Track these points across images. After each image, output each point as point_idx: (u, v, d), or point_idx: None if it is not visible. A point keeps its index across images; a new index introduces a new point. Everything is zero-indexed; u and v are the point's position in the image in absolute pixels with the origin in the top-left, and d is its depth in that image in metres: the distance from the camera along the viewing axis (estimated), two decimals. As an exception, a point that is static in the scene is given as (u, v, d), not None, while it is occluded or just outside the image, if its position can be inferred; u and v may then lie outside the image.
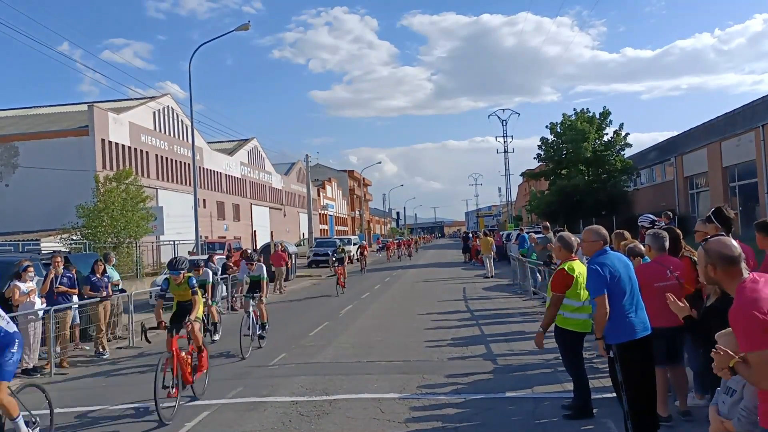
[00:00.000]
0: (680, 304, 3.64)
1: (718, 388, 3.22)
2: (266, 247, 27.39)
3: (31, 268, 10.26)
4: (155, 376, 6.52)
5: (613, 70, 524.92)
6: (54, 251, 14.04)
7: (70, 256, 14.28)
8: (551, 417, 6.11)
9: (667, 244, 5.77)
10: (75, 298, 11.18)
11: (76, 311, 11.28)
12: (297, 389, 7.75)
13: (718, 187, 28.70)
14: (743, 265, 2.91)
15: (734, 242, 3.02)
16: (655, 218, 9.48)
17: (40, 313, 10.07)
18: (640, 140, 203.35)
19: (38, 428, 5.90)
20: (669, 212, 12.46)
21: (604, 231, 5.37)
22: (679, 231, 6.31)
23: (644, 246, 6.20)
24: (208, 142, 46.43)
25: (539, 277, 15.92)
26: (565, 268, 6.02)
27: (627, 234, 7.48)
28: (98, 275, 11.57)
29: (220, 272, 17.44)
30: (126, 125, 34.13)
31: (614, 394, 5.86)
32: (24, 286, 10.02)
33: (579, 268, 6.08)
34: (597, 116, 38.45)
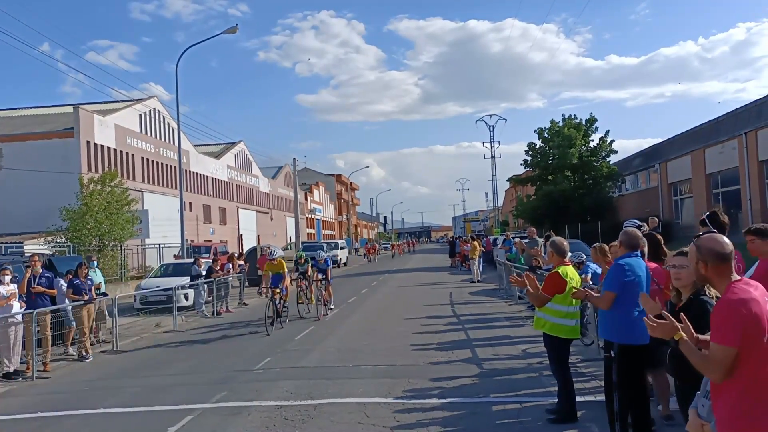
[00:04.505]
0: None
1: (698, 392, 3.25)
2: (253, 250, 27.24)
3: (8, 271, 10.11)
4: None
5: (598, 77, 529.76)
6: (34, 254, 13.90)
7: (54, 259, 14.16)
8: (536, 421, 6.13)
9: (645, 250, 5.81)
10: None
11: (70, 314, 11.15)
12: (282, 393, 7.71)
13: (701, 193, 29.02)
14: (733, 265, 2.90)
15: (726, 239, 2.95)
16: (641, 223, 9.55)
17: (19, 317, 9.94)
18: (625, 147, 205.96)
19: None
20: (655, 217, 12.54)
21: (638, 234, 5.40)
22: (660, 237, 6.36)
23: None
24: (195, 145, 46.14)
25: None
26: (559, 272, 6.07)
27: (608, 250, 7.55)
28: (81, 278, 11.46)
29: (204, 276, 17.35)
30: (111, 127, 33.86)
31: (598, 398, 5.91)
32: (3, 290, 9.88)
33: (572, 274, 6.12)
34: (583, 123, 38.82)
